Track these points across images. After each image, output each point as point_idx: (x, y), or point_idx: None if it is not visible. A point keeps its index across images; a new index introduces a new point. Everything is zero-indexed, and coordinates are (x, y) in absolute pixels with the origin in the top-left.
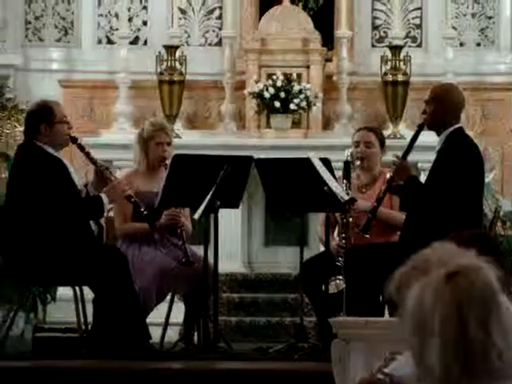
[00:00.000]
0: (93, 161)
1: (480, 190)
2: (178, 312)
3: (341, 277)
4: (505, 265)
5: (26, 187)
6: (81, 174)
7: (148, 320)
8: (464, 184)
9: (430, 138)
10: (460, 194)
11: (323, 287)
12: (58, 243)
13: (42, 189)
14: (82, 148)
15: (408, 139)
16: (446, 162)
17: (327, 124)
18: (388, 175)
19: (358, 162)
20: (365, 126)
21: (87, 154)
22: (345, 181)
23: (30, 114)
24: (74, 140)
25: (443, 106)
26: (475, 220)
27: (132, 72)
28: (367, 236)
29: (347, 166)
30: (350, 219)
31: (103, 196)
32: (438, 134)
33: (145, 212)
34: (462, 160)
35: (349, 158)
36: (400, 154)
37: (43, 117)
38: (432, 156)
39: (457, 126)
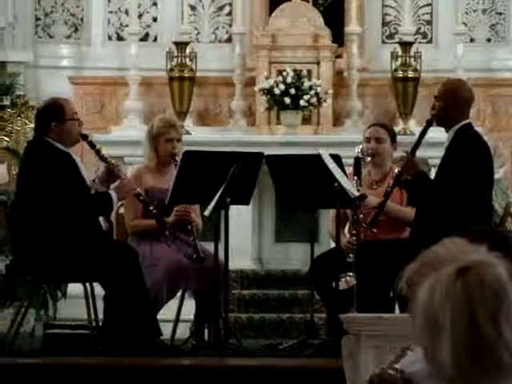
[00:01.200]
0: (103, 158)
1: (489, 186)
2: (189, 308)
3: (351, 273)
4: None
5: (35, 183)
6: (91, 171)
7: (159, 316)
8: (473, 180)
9: (439, 134)
10: (469, 190)
11: (334, 283)
12: (68, 240)
13: (52, 185)
14: (92, 145)
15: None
16: (455, 158)
17: (337, 120)
18: (396, 170)
19: (369, 158)
20: (376, 122)
21: (97, 152)
22: (355, 177)
23: (41, 111)
24: (85, 137)
25: (452, 102)
26: (485, 216)
27: (142, 69)
28: (374, 230)
29: (358, 162)
30: (361, 215)
31: (112, 193)
32: (447, 130)
33: (154, 210)
34: (470, 156)
35: (359, 154)
36: (409, 149)
37: (53, 114)
38: (441, 152)
39: (465, 121)
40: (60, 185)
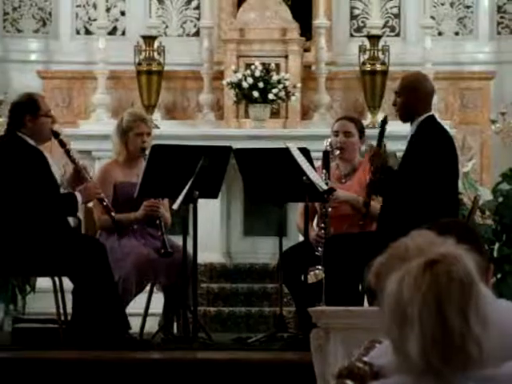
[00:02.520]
0: (72, 159)
1: (454, 177)
2: (158, 302)
3: (320, 266)
4: (483, 253)
5: (5, 178)
6: (59, 166)
7: (127, 310)
8: (437, 172)
9: (406, 127)
10: (433, 182)
11: (302, 277)
12: (36, 234)
13: (22, 180)
14: (62, 144)
15: (386, 129)
16: (419, 151)
17: (306, 114)
18: (367, 178)
19: (338, 152)
20: (345, 115)
21: (67, 152)
22: (324, 171)
23: (15, 105)
24: (56, 135)
25: (414, 96)
26: (451, 207)
27: (110, 63)
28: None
29: (326, 155)
30: (329, 209)
31: (77, 194)
32: (411, 124)
33: (114, 216)
34: (434, 148)
35: (328, 147)
36: (374, 144)
37: (28, 109)
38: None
39: (428, 114)
40: (30, 181)
